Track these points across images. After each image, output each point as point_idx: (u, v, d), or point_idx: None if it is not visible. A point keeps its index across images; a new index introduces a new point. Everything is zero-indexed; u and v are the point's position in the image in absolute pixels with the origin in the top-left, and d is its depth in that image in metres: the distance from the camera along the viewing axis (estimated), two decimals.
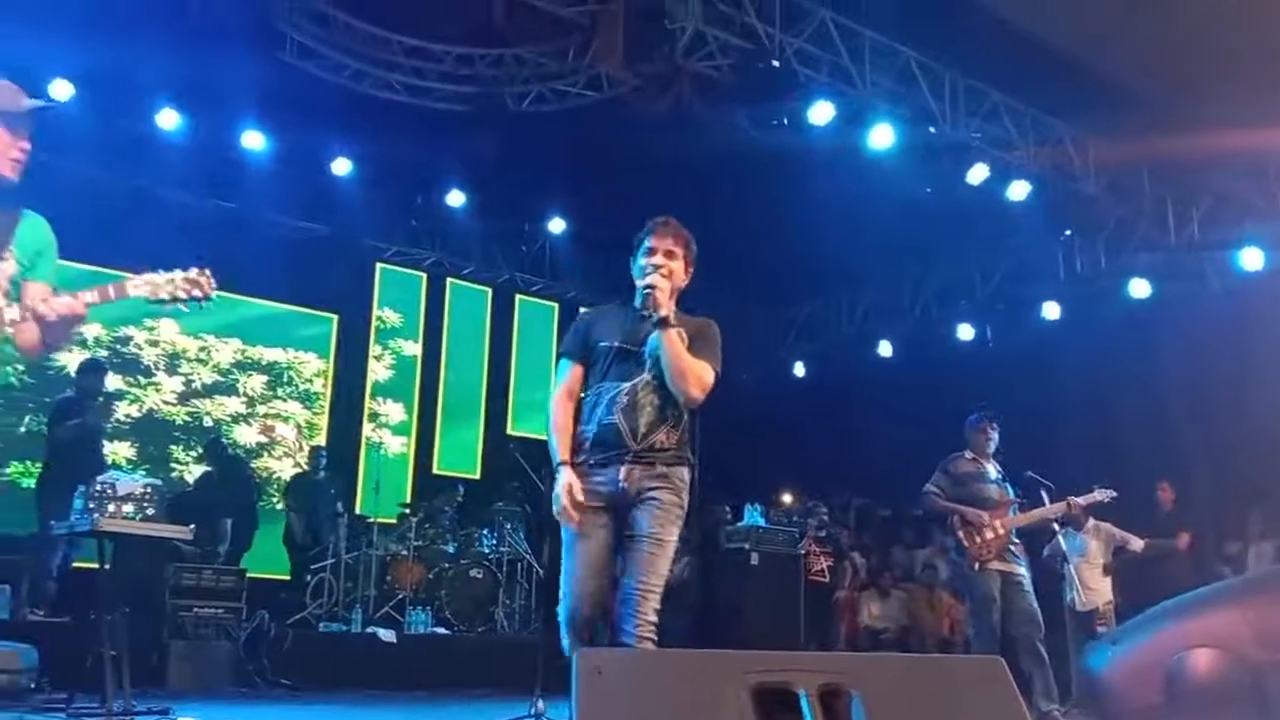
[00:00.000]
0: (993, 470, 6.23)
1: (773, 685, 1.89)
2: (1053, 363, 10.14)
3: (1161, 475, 8.67)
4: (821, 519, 9.64)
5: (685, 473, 3.41)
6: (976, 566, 5.92)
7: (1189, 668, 2.02)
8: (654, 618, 3.24)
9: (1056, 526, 6.80)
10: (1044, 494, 6.27)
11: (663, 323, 3.30)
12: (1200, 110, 7.72)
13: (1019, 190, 9.22)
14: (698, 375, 3.34)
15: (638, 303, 3.40)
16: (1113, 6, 7.44)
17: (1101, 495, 6.41)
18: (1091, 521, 7.68)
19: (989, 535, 5.93)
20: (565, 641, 3.32)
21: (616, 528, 3.35)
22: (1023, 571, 6.02)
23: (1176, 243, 9.66)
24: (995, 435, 6.27)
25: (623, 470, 3.31)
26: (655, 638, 3.23)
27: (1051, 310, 10.59)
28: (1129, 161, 9.31)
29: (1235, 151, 8.46)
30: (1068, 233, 10.54)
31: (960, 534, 6.00)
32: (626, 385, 3.37)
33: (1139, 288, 9.92)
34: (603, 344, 3.45)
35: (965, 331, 11.42)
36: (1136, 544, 7.76)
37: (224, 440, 9.92)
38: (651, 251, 3.42)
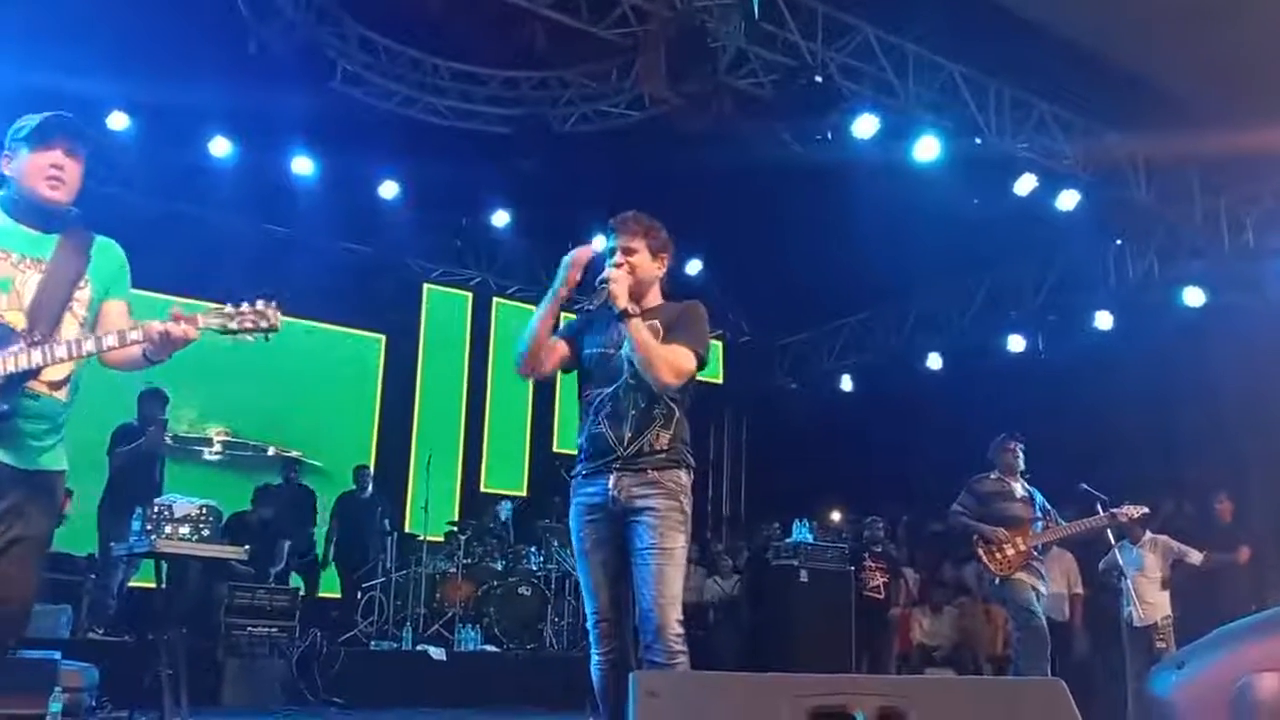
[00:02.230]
0: (1019, 488, 6.38)
1: (830, 708, 1.88)
2: (1106, 373, 9.95)
3: (1219, 487, 8.49)
4: (877, 534, 9.54)
5: (681, 475, 3.30)
6: (998, 581, 6.14)
7: (1255, 692, 1.97)
8: (679, 629, 3.13)
9: (1113, 540, 6.71)
10: (1099, 506, 6.27)
11: (623, 315, 3.23)
12: (1252, 114, 7.57)
13: (1068, 200, 9.08)
14: (669, 361, 3.22)
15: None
16: (1161, 12, 7.33)
17: (1133, 511, 6.36)
18: (1148, 534, 7.54)
19: (1009, 551, 6.13)
20: (594, 658, 3.30)
21: (616, 536, 3.28)
22: (1043, 590, 6.20)
23: (1230, 250, 9.47)
24: (1021, 455, 6.44)
25: (611, 479, 3.26)
26: (685, 649, 3.13)
27: (1104, 320, 10.39)
28: (1180, 168, 9.13)
29: None
30: (1119, 241, 10.38)
31: (980, 552, 6.22)
32: (609, 390, 3.34)
33: (1192, 296, 9.70)
34: (587, 351, 3.45)
35: (1016, 343, 11.24)
36: (1195, 557, 7.60)
37: (296, 467, 10.00)
38: (611, 253, 3.41)
